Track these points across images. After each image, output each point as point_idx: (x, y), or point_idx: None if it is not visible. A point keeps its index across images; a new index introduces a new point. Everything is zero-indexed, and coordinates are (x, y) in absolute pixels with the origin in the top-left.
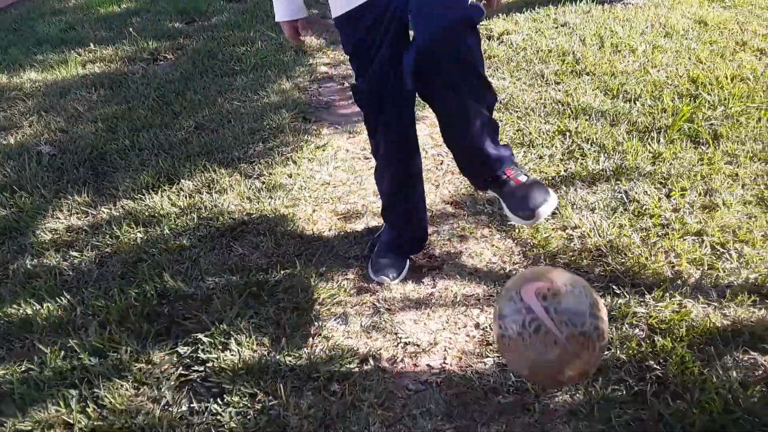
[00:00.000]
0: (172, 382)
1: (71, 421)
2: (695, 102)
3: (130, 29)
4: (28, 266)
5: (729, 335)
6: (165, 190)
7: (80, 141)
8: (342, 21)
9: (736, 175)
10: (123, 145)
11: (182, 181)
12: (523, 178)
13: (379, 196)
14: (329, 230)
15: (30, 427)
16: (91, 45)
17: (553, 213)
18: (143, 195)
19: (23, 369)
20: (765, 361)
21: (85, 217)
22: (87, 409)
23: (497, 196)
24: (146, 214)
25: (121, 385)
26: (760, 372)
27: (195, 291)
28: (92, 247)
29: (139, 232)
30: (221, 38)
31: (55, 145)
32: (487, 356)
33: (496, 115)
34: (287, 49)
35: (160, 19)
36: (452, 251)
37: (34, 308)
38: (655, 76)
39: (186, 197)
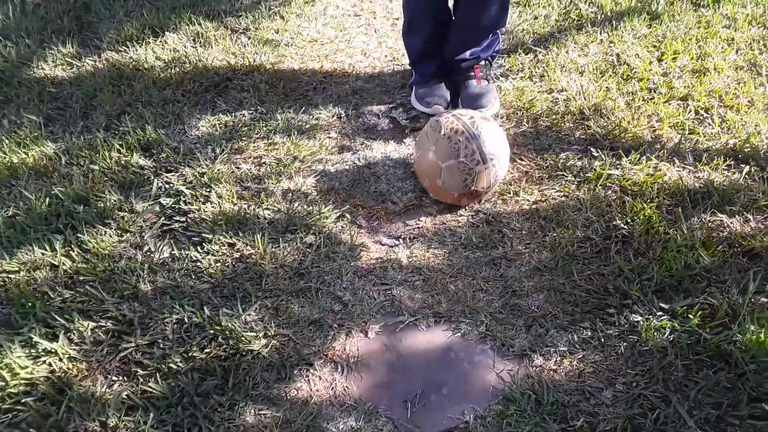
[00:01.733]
0: (154, 231)
1: (56, 263)
2: None
3: None
4: (14, 116)
5: (699, 197)
6: (149, 42)
7: None
8: None
9: (732, 39)
10: None
11: (167, 33)
12: (483, 83)
13: (365, 56)
14: (314, 89)
15: (17, 268)
16: None
17: (541, 75)
18: (128, 47)
19: (10, 213)
20: (730, 222)
21: (70, 68)
22: (71, 252)
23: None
24: (130, 66)
25: (105, 232)
26: (725, 233)
27: (178, 144)
28: (76, 98)
29: (123, 84)
30: None
31: None
32: (461, 215)
33: None
34: None
35: None
36: (433, 114)
37: (20, 156)
38: None
39: (171, 50)
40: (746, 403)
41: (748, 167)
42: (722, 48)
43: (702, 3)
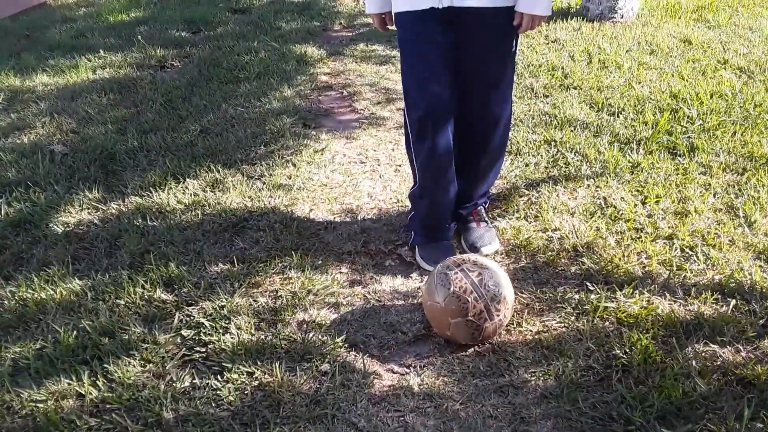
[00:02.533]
0: (176, 361)
1: (83, 393)
2: (675, 116)
3: (139, 37)
4: (42, 255)
5: (691, 329)
6: (171, 188)
7: (91, 141)
8: None
9: (709, 184)
10: (132, 146)
11: (188, 180)
12: (482, 224)
13: (371, 198)
14: (325, 228)
15: (45, 398)
16: (101, 51)
17: (536, 216)
18: (151, 192)
19: (38, 347)
20: (723, 352)
21: (96, 212)
22: (97, 382)
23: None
24: (154, 209)
25: (129, 362)
26: (718, 362)
27: (198, 280)
28: (102, 239)
29: (147, 226)
30: (226, 47)
31: (67, 145)
32: (468, 345)
33: None
34: (289, 58)
35: (167, 28)
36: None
37: (48, 293)
38: (639, 91)
39: (191, 195)
40: None
41: (734, 301)
42: (700, 192)
43: (678, 152)
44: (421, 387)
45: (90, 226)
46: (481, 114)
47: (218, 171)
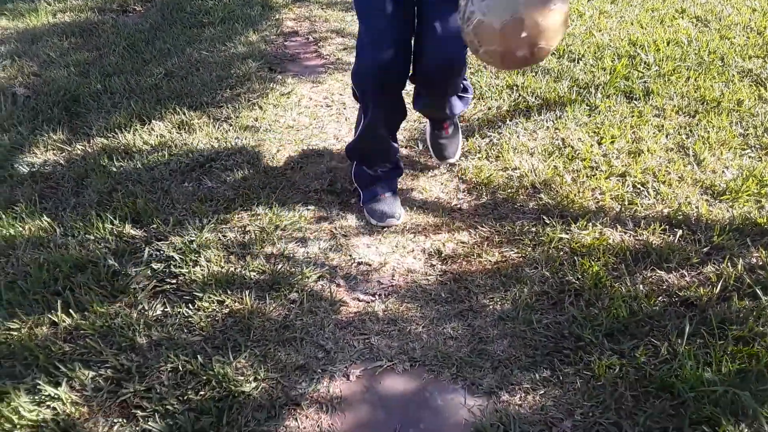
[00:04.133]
0: (147, 292)
1: (56, 321)
2: (632, 62)
3: None
4: (8, 194)
5: (640, 257)
6: (137, 129)
7: (53, 84)
8: None
9: (662, 126)
10: (95, 89)
11: (153, 122)
12: (450, 129)
13: (337, 140)
14: (292, 168)
15: (18, 326)
16: None
17: (497, 156)
18: (116, 134)
19: (10, 279)
20: (668, 277)
21: (61, 153)
22: (70, 310)
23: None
24: (120, 150)
25: (101, 293)
26: (664, 286)
27: (167, 216)
28: (68, 179)
29: (113, 166)
30: None
31: (29, 88)
32: (431, 274)
33: None
34: (254, 4)
35: None
36: (404, 188)
37: (17, 229)
38: (599, 39)
39: (157, 136)
40: (688, 425)
41: (681, 231)
42: (654, 133)
43: (634, 96)
44: (386, 312)
45: (56, 166)
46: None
47: (184, 113)
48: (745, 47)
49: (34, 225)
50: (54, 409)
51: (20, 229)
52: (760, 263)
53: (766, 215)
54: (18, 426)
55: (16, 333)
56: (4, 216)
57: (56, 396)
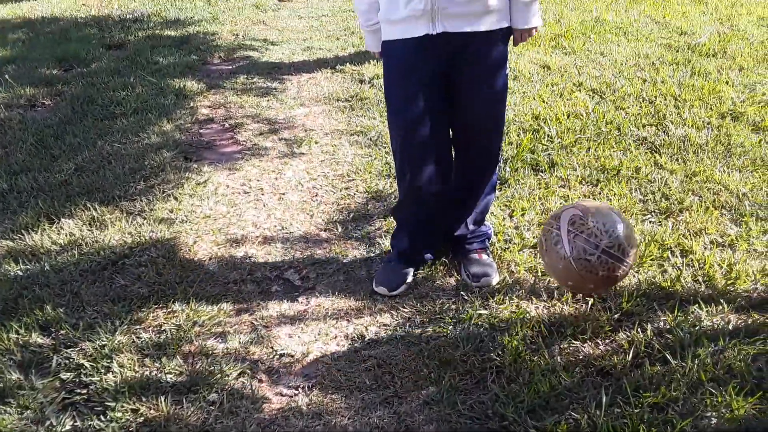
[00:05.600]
0: (56, 405)
1: None
2: (537, 135)
3: (6, 76)
4: None
5: (556, 328)
6: (45, 229)
7: None
8: None
9: (568, 196)
10: (1, 188)
11: (63, 220)
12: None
13: (256, 227)
14: (210, 259)
15: None
16: None
17: None
18: (23, 235)
19: None
20: (584, 347)
21: None
22: None
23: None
24: (26, 252)
25: (5, 410)
26: (580, 356)
27: (77, 321)
28: None
29: (19, 270)
30: (101, 84)
31: None
32: (354, 361)
33: (366, 150)
34: (168, 93)
35: (37, 66)
36: (325, 272)
37: None
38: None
39: (66, 235)
40: None
41: (592, 300)
42: (560, 203)
43: (540, 168)
44: (310, 406)
45: None
46: (480, 151)
47: (95, 209)
48: (638, 116)
49: None
50: None
51: None
52: (668, 327)
53: (669, 278)
54: None
55: None
56: None
57: None
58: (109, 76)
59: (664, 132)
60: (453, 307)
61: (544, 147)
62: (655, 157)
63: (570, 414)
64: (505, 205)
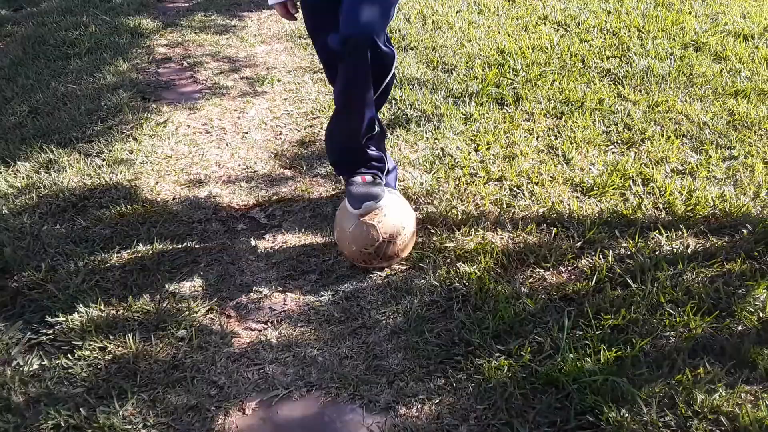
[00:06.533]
0: (22, 346)
1: None
2: (502, 70)
3: None
4: None
5: (520, 257)
6: (0, 173)
7: None
8: None
9: (532, 129)
10: None
11: (18, 162)
12: (368, 177)
13: (219, 166)
14: (173, 199)
15: None
16: None
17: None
18: None
19: None
20: (547, 274)
21: None
22: None
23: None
24: None
25: None
26: (544, 283)
27: (39, 263)
28: None
29: None
30: (52, 23)
31: None
32: (323, 295)
33: (330, 88)
34: (123, 31)
35: None
36: (291, 210)
37: None
38: (470, 49)
39: (23, 178)
40: (574, 416)
41: (555, 229)
42: (525, 137)
43: (505, 102)
44: (279, 339)
45: None
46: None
47: (52, 151)
48: (602, 48)
49: None
50: None
51: None
52: (629, 253)
53: (631, 206)
54: None
55: None
56: None
57: None
58: (60, 15)
59: (627, 63)
60: (420, 240)
61: (509, 81)
62: (618, 89)
63: (534, 337)
64: (471, 139)
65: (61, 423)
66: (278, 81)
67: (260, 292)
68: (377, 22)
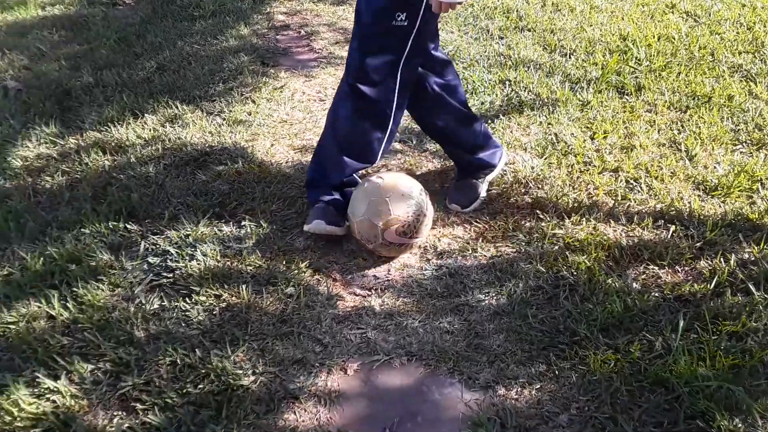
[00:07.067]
0: (144, 286)
1: (53, 314)
2: (624, 57)
3: None
4: (2, 188)
5: (633, 252)
6: (129, 123)
7: (44, 78)
8: None
9: (654, 121)
10: (87, 82)
11: (146, 115)
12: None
13: None
14: (286, 162)
15: (16, 319)
16: None
17: None
18: (109, 127)
19: (5, 273)
20: (662, 273)
21: (54, 146)
22: (67, 305)
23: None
24: (113, 144)
25: (98, 287)
26: (658, 281)
27: (162, 210)
28: (62, 172)
29: (107, 160)
30: None
31: (21, 81)
32: (426, 269)
33: None
34: None
35: None
36: None
37: (12, 224)
38: (590, 34)
39: (150, 130)
40: (683, 420)
41: (673, 227)
42: (646, 129)
43: (626, 91)
44: (382, 307)
45: (49, 159)
46: None
47: (177, 107)
48: (734, 42)
49: (29, 219)
50: (53, 402)
51: (15, 222)
52: (752, 259)
53: (758, 210)
54: (18, 419)
55: (13, 326)
56: None
57: (55, 389)
58: None
59: (761, 60)
60: (527, 225)
61: (632, 69)
62: (750, 86)
63: (644, 335)
64: (586, 127)
65: (177, 360)
66: None
67: (366, 259)
68: None
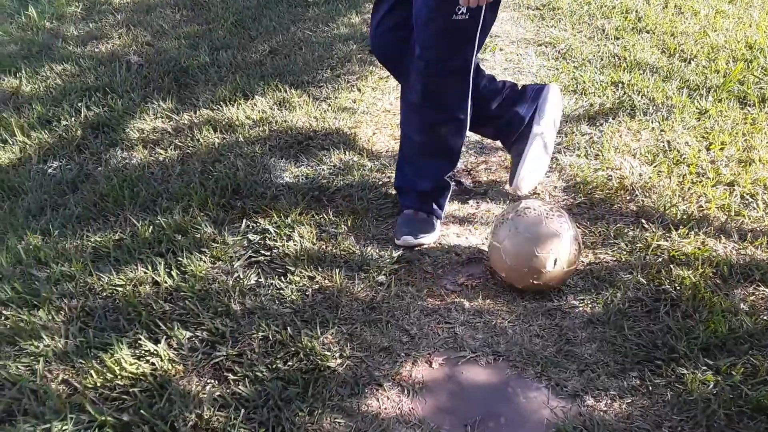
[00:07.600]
0: (243, 261)
1: (158, 281)
2: (749, 66)
3: None
4: (120, 157)
5: (745, 272)
6: (240, 104)
7: (165, 54)
8: None
9: None
10: (203, 61)
11: (256, 97)
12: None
13: None
14: (386, 152)
15: (123, 282)
16: None
17: (596, 155)
18: (221, 107)
19: (117, 238)
20: None
21: (169, 121)
22: (172, 272)
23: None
24: (223, 122)
25: (200, 258)
26: None
27: (265, 190)
28: (175, 146)
29: (217, 137)
30: None
31: (142, 56)
32: None
33: (553, 63)
34: None
35: None
36: (497, 179)
37: (126, 192)
38: (714, 39)
39: (259, 112)
40: None
41: None
42: (767, 143)
43: (749, 102)
44: (472, 304)
45: (164, 133)
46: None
47: (285, 90)
48: None
49: (142, 189)
50: (152, 364)
51: (129, 191)
52: None
53: None
54: (119, 377)
55: (121, 289)
56: (115, 177)
57: (155, 352)
58: None
59: None
60: (630, 233)
61: (757, 80)
62: None
63: (748, 358)
64: (702, 136)
65: (270, 336)
66: (500, 50)
67: (458, 255)
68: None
